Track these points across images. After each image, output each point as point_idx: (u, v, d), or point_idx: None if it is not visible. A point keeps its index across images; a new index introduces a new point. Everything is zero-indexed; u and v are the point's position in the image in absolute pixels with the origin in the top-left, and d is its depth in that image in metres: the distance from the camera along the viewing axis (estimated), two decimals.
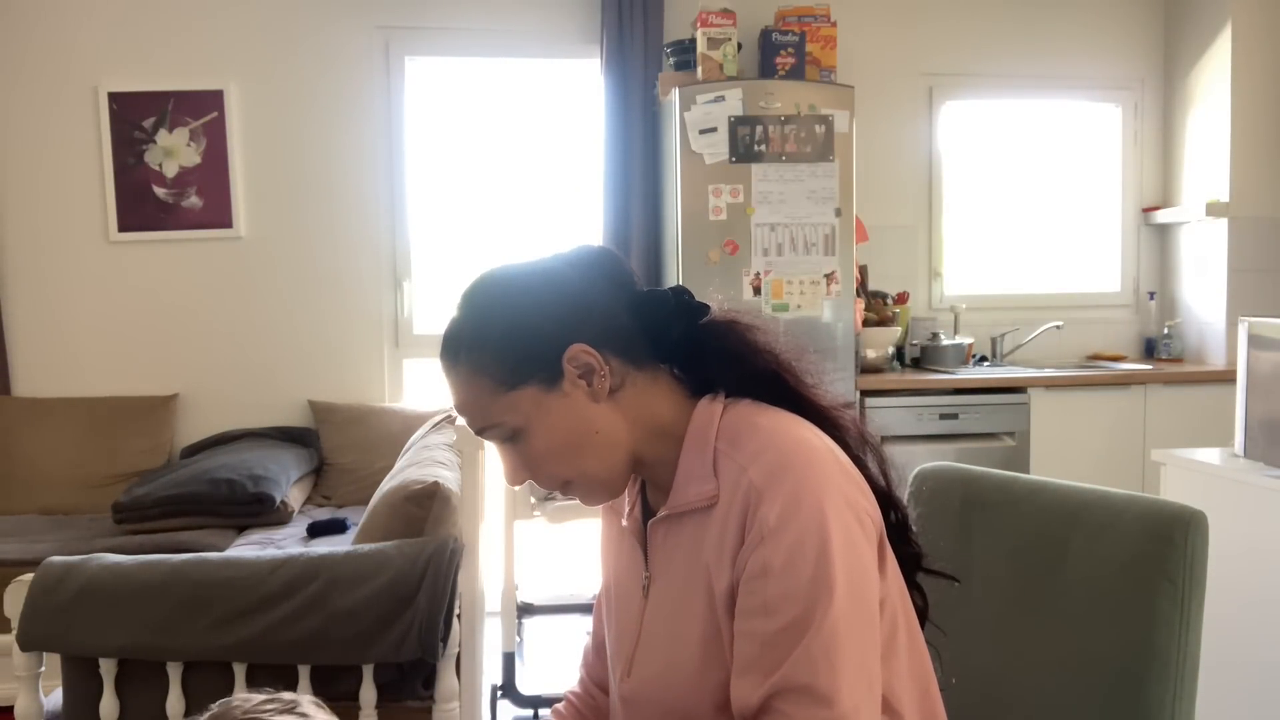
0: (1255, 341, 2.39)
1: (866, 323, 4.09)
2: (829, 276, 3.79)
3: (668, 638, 1.07)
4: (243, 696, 0.99)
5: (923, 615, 1.12)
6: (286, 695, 0.99)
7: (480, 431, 1.07)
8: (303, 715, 0.96)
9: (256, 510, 3.41)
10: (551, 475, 1.07)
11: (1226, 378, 3.71)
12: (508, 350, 1.03)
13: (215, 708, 0.96)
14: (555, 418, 1.04)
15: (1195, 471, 2.50)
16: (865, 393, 3.88)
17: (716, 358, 1.09)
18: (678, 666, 1.05)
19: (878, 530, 1.04)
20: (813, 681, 0.93)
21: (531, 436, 1.04)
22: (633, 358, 1.07)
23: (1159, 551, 1.11)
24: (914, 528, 1.14)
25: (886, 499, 1.09)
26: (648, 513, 1.14)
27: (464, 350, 1.05)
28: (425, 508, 2.21)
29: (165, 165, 4.03)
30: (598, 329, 1.05)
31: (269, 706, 0.96)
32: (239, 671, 1.99)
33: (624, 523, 1.17)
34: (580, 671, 1.33)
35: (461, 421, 2.34)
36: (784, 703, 0.94)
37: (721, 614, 1.01)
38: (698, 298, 1.12)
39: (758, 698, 0.95)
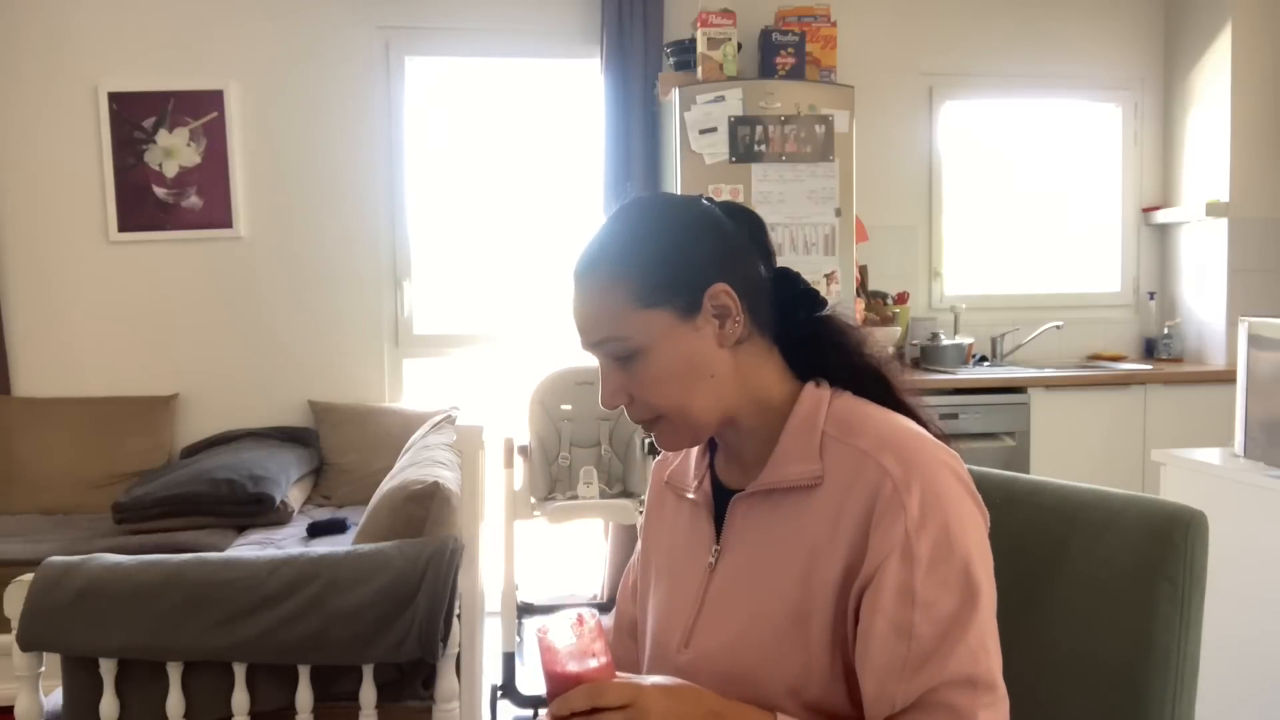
0: (1255, 341, 2.39)
1: (866, 323, 4.09)
2: (829, 276, 3.79)
3: (742, 611, 1.06)
4: None
5: None
6: None
7: (598, 343, 1.06)
8: None
9: (256, 510, 3.41)
10: (651, 404, 1.06)
11: (1226, 378, 3.71)
12: (656, 268, 1.03)
13: None
14: (679, 347, 1.04)
15: (1195, 471, 2.50)
16: None
17: (832, 350, 1.11)
18: (751, 639, 1.04)
19: (989, 523, 1.06)
20: (973, 671, 0.95)
21: (650, 359, 1.04)
22: (759, 321, 1.09)
23: (1159, 551, 1.11)
24: None
25: None
26: (718, 490, 1.14)
27: (608, 260, 1.05)
28: (425, 508, 2.21)
29: (165, 165, 4.03)
30: (741, 279, 1.07)
31: None
32: (239, 672, 1.99)
33: (690, 495, 1.17)
34: None
35: (463, 420, 2.35)
36: (949, 694, 0.95)
37: (826, 597, 1.00)
38: None
39: (915, 688, 0.96)
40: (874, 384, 1.11)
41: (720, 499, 1.13)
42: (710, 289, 1.04)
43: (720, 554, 1.11)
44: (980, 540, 1.01)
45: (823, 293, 4.28)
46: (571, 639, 0.97)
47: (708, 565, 1.11)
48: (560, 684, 0.97)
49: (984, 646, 0.97)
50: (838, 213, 3.80)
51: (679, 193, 3.71)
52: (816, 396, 1.08)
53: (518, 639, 3.47)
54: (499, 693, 3.11)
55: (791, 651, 1.02)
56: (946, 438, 1.10)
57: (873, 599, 0.97)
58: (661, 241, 1.05)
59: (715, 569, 1.11)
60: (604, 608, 4.03)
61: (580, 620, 0.98)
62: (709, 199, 1.13)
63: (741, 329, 1.06)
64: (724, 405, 1.07)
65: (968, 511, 1.00)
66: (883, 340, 4.11)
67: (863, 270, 4.24)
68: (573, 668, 0.96)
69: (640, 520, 3.30)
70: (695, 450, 1.19)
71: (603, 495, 3.35)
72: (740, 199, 3.72)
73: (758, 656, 1.03)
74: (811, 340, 1.12)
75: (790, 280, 1.13)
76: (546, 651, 0.98)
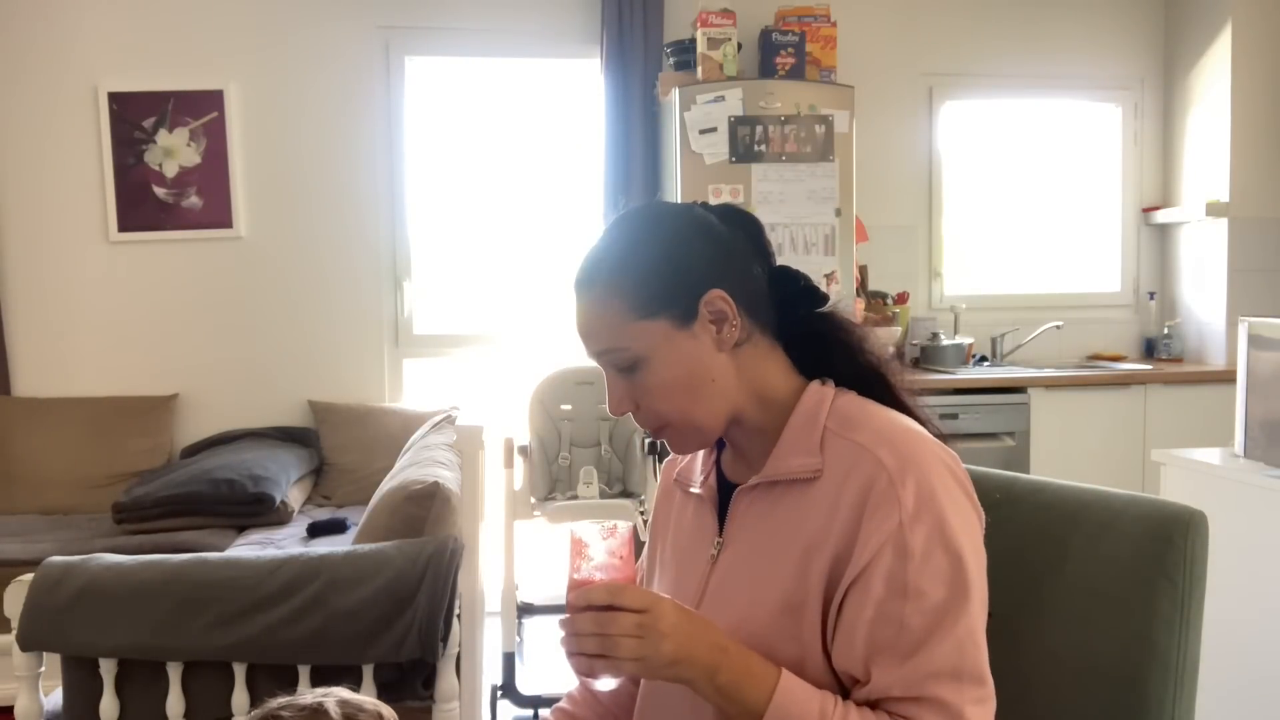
0: (1255, 341, 2.39)
1: (866, 323, 4.09)
2: (829, 276, 3.79)
3: (740, 601, 1.08)
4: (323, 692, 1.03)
5: None
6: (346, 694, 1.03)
7: (599, 354, 1.08)
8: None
9: (256, 510, 3.41)
10: (656, 412, 1.09)
11: (1226, 378, 3.71)
12: (651, 279, 1.05)
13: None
14: (678, 355, 1.06)
15: (1195, 471, 2.50)
16: None
17: (836, 346, 1.13)
18: (748, 630, 1.05)
19: (984, 523, 1.07)
20: (960, 665, 0.96)
21: (650, 368, 1.06)
22: (760, 322, 1.10)
23: (1159, 551, 1.11)
24: None
25: None
26: (722, 481, 1.16)
27: (605, 272, 1.07)
28: (425, 508, 2.21)
29: (165, 165, 4.03)
30: (736, 283, 1.08)
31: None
32: (239, 671, 1.99)
33: (695, 489, 1.18)
34: None
35: (463, 420, 2.35)
36: (935, 687, 0.96)
37: (818, 587, 1.02)
38: None
39: (893, 679, 0.97)
40: (876, 383, 1.12)
41: (725, 493, 1.15)
42: (706, 296, 1.06)
43: (722, 546, 1.12)
44: (974, 538, 1.02)
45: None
46: (600, 541, 1.01)
47: (710, 557, 1.13)
48: (584, 580, 1.01)
49: (973, 641, 0.98)
50: (838, 213, 3.80)
51: (677, 197, 3.72)
52: (820, 394, 1.09)
53: (518, 639, 3.48)
54: (499, 693, 3.11)
55: (786, 641, 1.03)
56: (945, 438, 1.11)
57: (864, 589, 0.98)
58: (655, 251, 1.07)
59: (717, 560, 1.12)
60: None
61: (614, 529, 1.02)
62: (704, 205, 1.14)
63: (739, 332, 1.07)
64: (728, 407, 1.09)
65: (963, 509, 1.01)
66: (883, 340, 4.11)
67: (863, 270, 4.24)
68: (598, 563, 1.01)
69: (640, 520, 3.31)
70: None
71: (603, 495, 3.35)
72: (740, 199, 3.72)
73: (754, 646, 1.04)
74: (815, 337, 1.13)
75: (790, 278, 1.14)
76: (575, 545, 1.02)
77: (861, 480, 1.00)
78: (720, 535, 1.13)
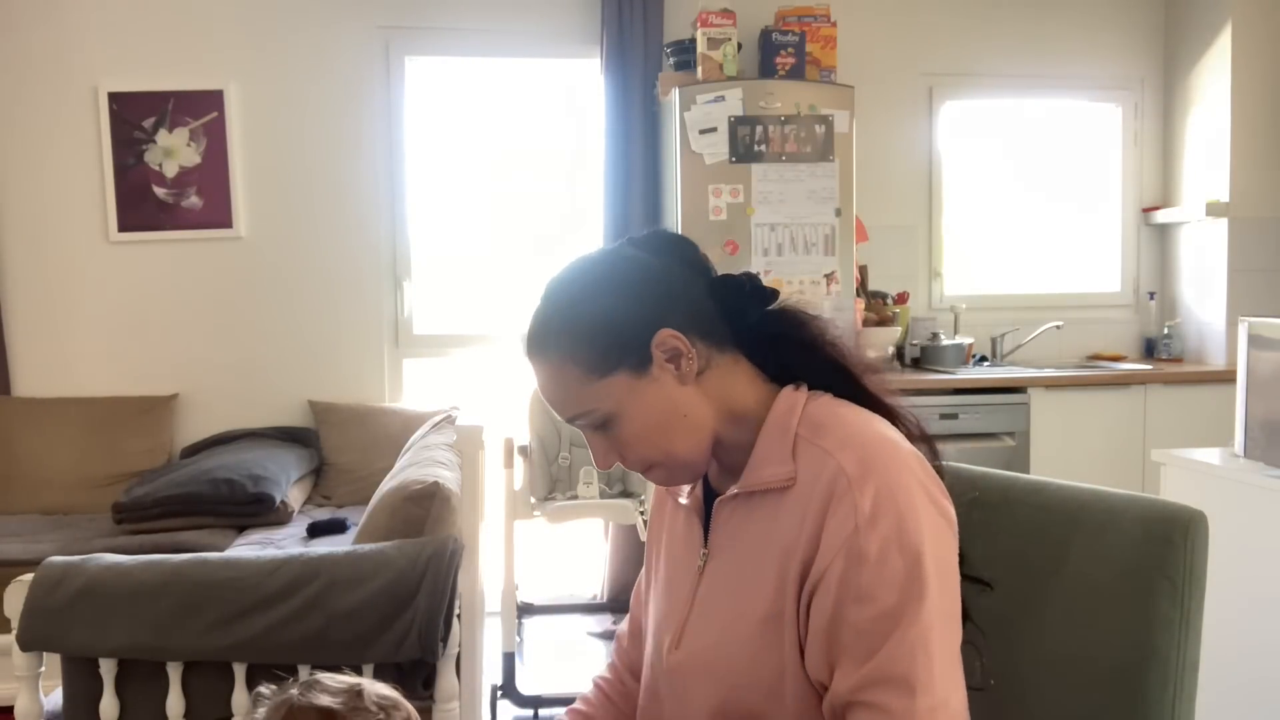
0: (1255, 341, 2.39)
1: (866, 323, 4.09)
2: (829, 276, 3.79)
3: (725, 612, 1.08)
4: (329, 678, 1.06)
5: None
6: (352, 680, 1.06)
7: (571, 420, 1.09)
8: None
9: (256, 510, 3.41)
10: (640, 458, 1.09)
11: (1226, 378, 3.71)
12: (597, 339, 1.05)
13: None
14: (645, 402, 1.06)
15: (1195, 471, 2.50)
16: None
17: (791, 345, 1.12)
18: (733, 640, 1.05)
19: (955, 528, 1.05)
20: (909, 671, 0.94)
21: (623, 422, 1.06)
22: (715, 341, 1.10)
23: (1159, 551, 1.11)
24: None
25: None
26: (709, 493, 1.16)
27: (553, 341, 1.07)
28: (425, 508, 2.21)
29: (165, 165, 4.03)
30: (682, 313, 1.07)
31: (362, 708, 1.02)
32: (239, 672, 1.99)
33: (683, 500, 1.19)
34: (612, 658, 1.35)
35: (463, 420, 2.35)
36: (880, 694, 0.94)
37: (792, 594, 1.01)
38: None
39: (847, 685, 0.96)
40: (843, 379, 1.11)
41: (711, 503, 1.15)
42: (655, 338, 1.05)
43: (708, 557, 1.12)
44: (936, 543, 0.99)
45: (823, 293, 4.25)
46: None
47: (698, 568, 1.13)
48: None
49: (925, 649, 0.95)
50: (838, 213, 3.80)
51: (677, 197, 3.72)
52: (792, 399, 1.09)
53: (518, 639, 3.48)
54: (499, 693, 3.11)
55: (768, 652, 1.03)
56: (928, 435, 1.11)
57: (824, 595, 0.98)
58: (595, 309, 1.06)
59: (704, 571, 1.12)
60: (603, 608, 4.03)
61: None
62: (631, 240, 1.13)
63: (697, 361, 1.07)
64: (706, 436, 1.09)
65: (925, 514, 0.99)
66: (883, 340, 4.12)
67: (863, 270, 4.24)
68: None
69: (640, 521, 3.31)
70: None
71: (603, 495, 3.35)
72: (740, 199, 3.72)
73: (739, 658, 1.04)
74: (773, 339, 1.12)
75: (733, 286, 1.13)
76: None
77: (825, 486, 1.00)
78: (705, 546, 1.13)
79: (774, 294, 1.14)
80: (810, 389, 1.10)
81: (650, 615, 1.22)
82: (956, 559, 1.03)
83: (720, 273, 1.14)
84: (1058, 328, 4.37)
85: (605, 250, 1.14)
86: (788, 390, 1.10)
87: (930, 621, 0.95)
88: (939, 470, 1.09)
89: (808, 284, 3.75)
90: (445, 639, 2.02)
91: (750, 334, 1.12)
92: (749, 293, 1.12)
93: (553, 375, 1.07)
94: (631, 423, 1.06)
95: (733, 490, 1.09)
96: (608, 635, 3.72)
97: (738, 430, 1.10)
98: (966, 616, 1.13)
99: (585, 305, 1.07)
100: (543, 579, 4.12)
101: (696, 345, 1.07)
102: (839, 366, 1.12)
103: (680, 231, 3.65)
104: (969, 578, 1.14)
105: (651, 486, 1.37)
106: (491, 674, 2.93)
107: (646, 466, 1.10)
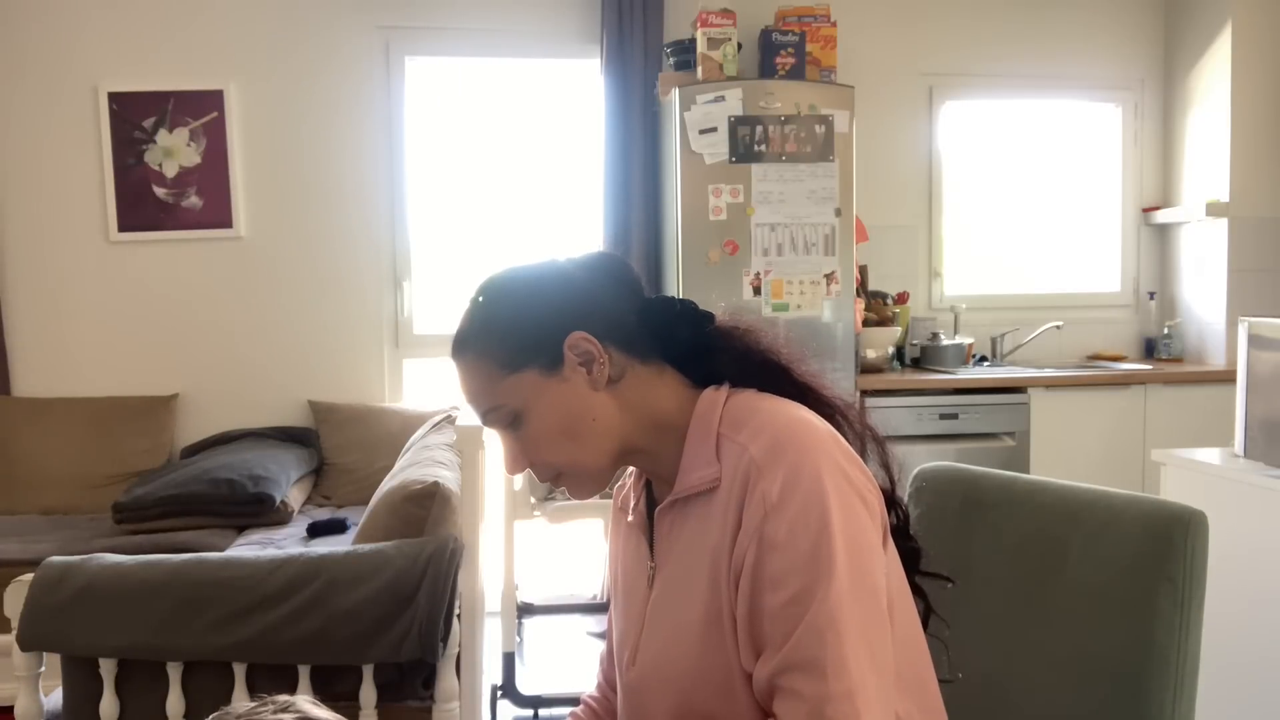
0: (1255, 341, 2.39)
1: (866, 323, 4.09)
2: (829, 276, 3.79)
3: (670, 621, 1.09)
4: (240, 705, 0.98)
5: (924, 619, 1.13)
6: (281, 697, 0.99)
7: (483, 416, 1.11)
8: (299, 713, 0.96)
9: (256, 510, 3.41)
10: (546, 463, 1.10)
11: (1226, 378, 3.71)
12: (510, 335, 1.07)
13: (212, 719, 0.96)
14: (553, 401, 1.07)
15: (1195, 471, 2.50)
16: (865, 393, 3.88)
17: (722, 355, 1.13)
18: (678, 649, 1.06)
19: (880, 508, 1.05)
20: (819, 655, 0.93)
21: (530, 419, 1.08)
22: (636, 351, 1.11)
23: (1159, 551, 1.11)
24: (912, 526, 1.15)
25: (889, 494, 1.11)
26: (653, 506, 1.16)
27: (471, 338, 1.10)
28: (425, 508, 2.21)
29: (165, 165, 4.03)
30: (600, 321, 1.09)
31: (263, 710, 0.96)
32: (239, 671, 1.99)
33: (629, 517, 1.20)
34: (598, 676, 1.36)
35: (463, 420, 2.35)
36: (792, 679, 0.94)
37: (725, 594, 1.02)
38: (700, 304, 1.16)
39: (766, 672, 0.96)
40: (774, 376, 1.12)
41: (654, 517, 1.16)
42: (568, 339, 1.07)
43: (655, 569, 1.13)
44: (847, 520, 0.97)
45: (823, 293, 4.26)
46: None
47: (647, 580, 1.14)
48: None
49: (834, 630, 0.93)
50: (838, 213, 3.79)
51: (677, 197, 3.72)
52: (712, 400, 1.09)
53: (518, 639, 3.48)
54: (499, 693, 3.11)
55: (713, 654, 1.03)
56: (866, 424, 1.12)
57: (744, 586, 0.99)
58: (513, 309, 1.09)
59: (653, 584, 1.13)
60: (603, 608, 4.03)
61: None
62: (569, 258, 1.15)
63: (611, 368, 1.08)
64: (615, 444, 1.10)
65: (836, 493, 0.98)
66: (883, 340, 4.12)
67: (863, 270, 4.24)
68: None
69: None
70: (633, 474, 1.23)
71: (602, 495, 3.35)
72: (740, 199, 3.72)
73: (688, 663, 1.04)
74: (703, 351, 1.13)
75: (664, 305, 1.14)
76: None
77: (741, 479, 1.01)
78: (652, 559, 1.14)
79: (708, 317, 1.15)
80: (736, 388, 1.11)
81: (614, 635, 1.24)
82: (877, 538, 1.02)
83: (655, 295, 1.15)
84: (1058, 328, 4.37)
85: (536, 260, 1.16)
86: (708, 392, 1.11)
87: (839, 601, 0.94)
88: (889, 469, 1.10)
89: (807, 284, 3.75)
90: (445, 639, 2.02)
91: (683, 348, 1.13)
92: (678, 313, 1.14)
93: (469, 371, 1.09)
94: (538, 420, 1.07)
95: (669, 499, 1.10)
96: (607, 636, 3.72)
97: (661, 439, 1.10)
98: (931, 610, 1.13)
99: (504, 304, 1.10)
100: (542, 579, 4.12)
101: (611, 352, 1.08)
102: (768, 363, 1.13)
103: (680, 231, 3.70)
104: (928, 574, 1.15)
105: None
106: (491, 674, 2.93)
107: (553, 473, 1.11)
